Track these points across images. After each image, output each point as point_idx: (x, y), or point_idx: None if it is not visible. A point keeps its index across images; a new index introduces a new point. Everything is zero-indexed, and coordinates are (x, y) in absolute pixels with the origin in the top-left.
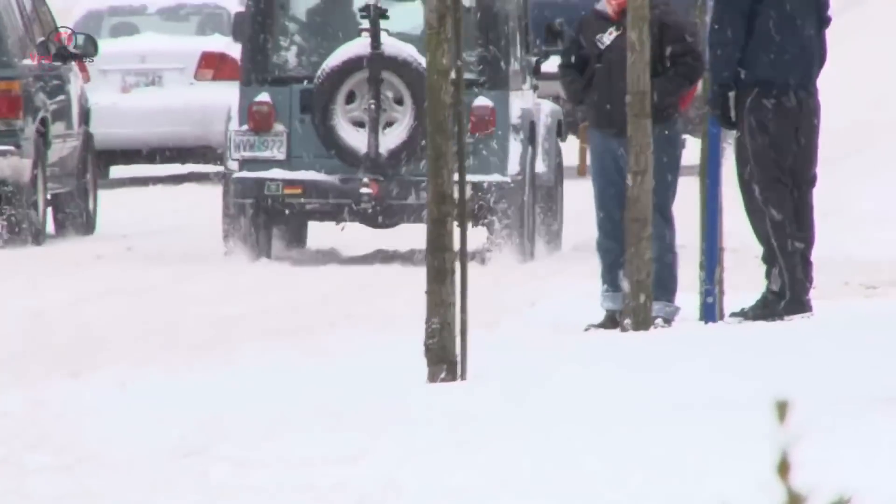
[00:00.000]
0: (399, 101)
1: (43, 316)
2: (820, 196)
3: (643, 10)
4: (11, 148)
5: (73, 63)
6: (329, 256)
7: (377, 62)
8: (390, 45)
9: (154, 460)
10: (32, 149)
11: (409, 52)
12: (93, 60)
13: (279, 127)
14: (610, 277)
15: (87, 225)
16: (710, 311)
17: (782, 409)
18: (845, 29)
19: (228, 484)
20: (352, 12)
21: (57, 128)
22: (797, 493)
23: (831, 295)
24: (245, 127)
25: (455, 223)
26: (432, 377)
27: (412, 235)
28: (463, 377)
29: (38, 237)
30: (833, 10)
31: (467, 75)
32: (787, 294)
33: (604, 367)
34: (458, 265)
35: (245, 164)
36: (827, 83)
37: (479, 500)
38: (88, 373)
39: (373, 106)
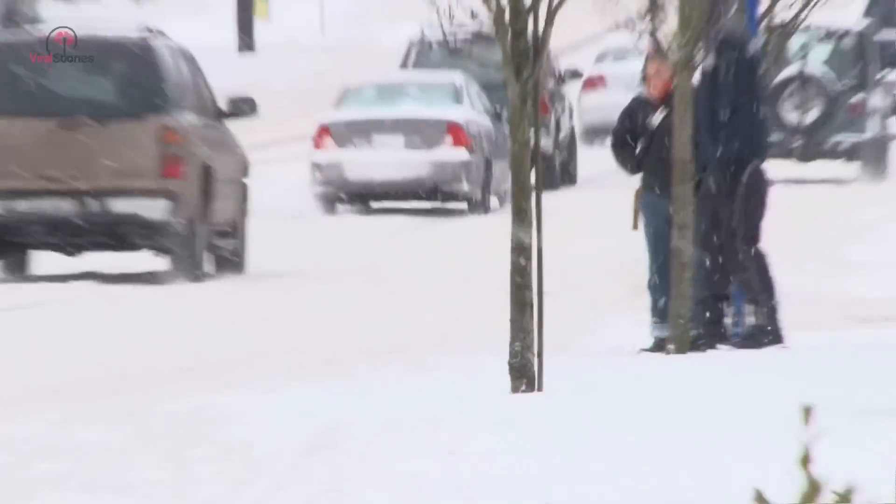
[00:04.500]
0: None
1: None
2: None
3: (687, 96)
4: None
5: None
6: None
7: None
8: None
9: (291, 454)
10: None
11: (820, 72)
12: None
13: None
14: (658, 311)
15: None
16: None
17: (807, 413)
18: None
19: (352, 475)
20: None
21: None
22: (815, 481)
23: (834, 326)
24: None
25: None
26: (514, 389)
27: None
28: (540, 389)
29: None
30: None
31: None
32: (773, 327)
33: (654, 384)
34: (535, 299)
35: None
36: None
37: (554, 492)
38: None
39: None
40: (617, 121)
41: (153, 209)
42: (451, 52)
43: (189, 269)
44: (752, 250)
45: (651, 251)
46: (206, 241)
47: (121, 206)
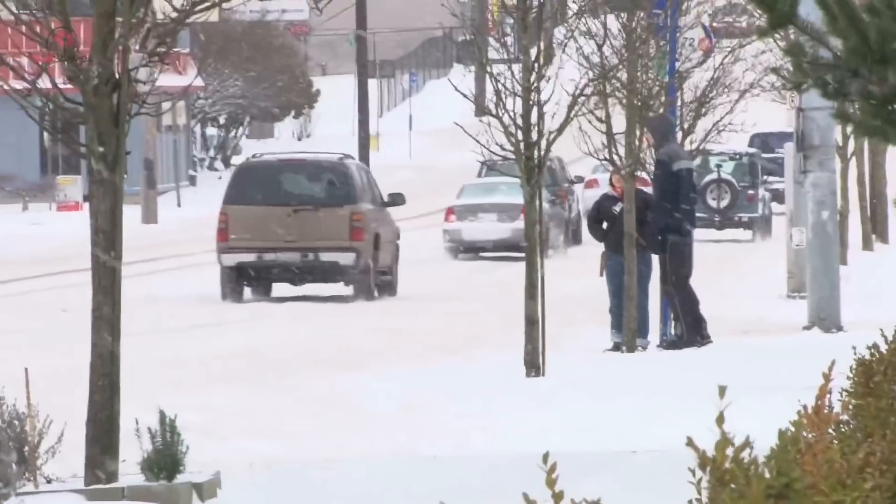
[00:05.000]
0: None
1: None
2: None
3: (632, 195)
4: None
5: None
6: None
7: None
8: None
9: (391, 413)
10: None
11: (728, 177)
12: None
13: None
14: (616, 325)
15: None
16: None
17: (721, 390)
18: None
19: (428, 426)
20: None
21: None
22: (726, 435)
23: (727, 336)
24: None
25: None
26: (528, 374)
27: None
28: (543, 374)
29: None
30: None
31: None
32: (685, 336)
33: (615, 370)
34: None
35: None
36: None
37: (554, 434)
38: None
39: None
40: (591, 209)
41: (345, 258)
42: (490, 168)
43: (365, 294)
44: (677, 287)
45: (610, 288)
46: (375, 277)
47: (326, 256)
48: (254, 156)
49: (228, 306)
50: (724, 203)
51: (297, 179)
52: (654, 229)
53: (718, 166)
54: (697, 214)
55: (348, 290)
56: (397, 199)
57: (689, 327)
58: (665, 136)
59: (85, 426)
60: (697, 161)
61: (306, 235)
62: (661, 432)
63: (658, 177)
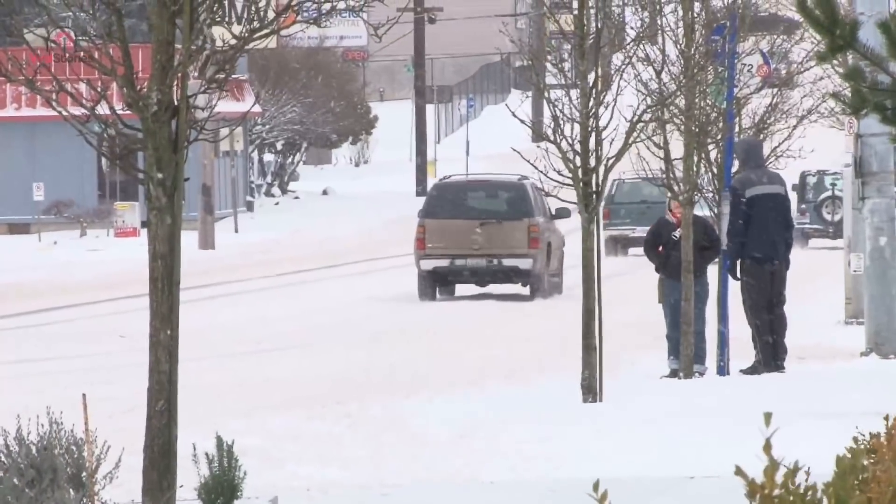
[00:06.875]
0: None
1: None
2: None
3: (689, 221)
4: None
5: None
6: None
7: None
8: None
9: (446, 439)
10: None
11: (841, 194)
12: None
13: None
14: (672, 351)
15: None
16: (722, 371)
17: (767, 417)
18: None
19: (483, 453)
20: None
21: None
22: (774, 461)
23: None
24: None
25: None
26: (585, 400)
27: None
28: (600, 400)
29: None
30: None
31: None
32: (762, 362)
33: (670, 395)
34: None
35: None
36: None
37: (611, 459)
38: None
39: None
40: (648, 233)
41: (524, 264)
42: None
43: (540, 293)
44: (751, 313)
45: (668, 315)
46: (547, 279)
47: (508, 262)
48: (445, 177)
49: (279, 330)
50: (837, 217)
51: (483, 197)
52: (715, 255)
53: (833, 185)
54: (814, 226)
55: (526, 291)
56: (562, 213)
57: (765, 354)
58: (745, 161)
59: (142, 452)
60: (816, 180)
61: (491, 244)
62: (718, 458)
63: (732, 204)
